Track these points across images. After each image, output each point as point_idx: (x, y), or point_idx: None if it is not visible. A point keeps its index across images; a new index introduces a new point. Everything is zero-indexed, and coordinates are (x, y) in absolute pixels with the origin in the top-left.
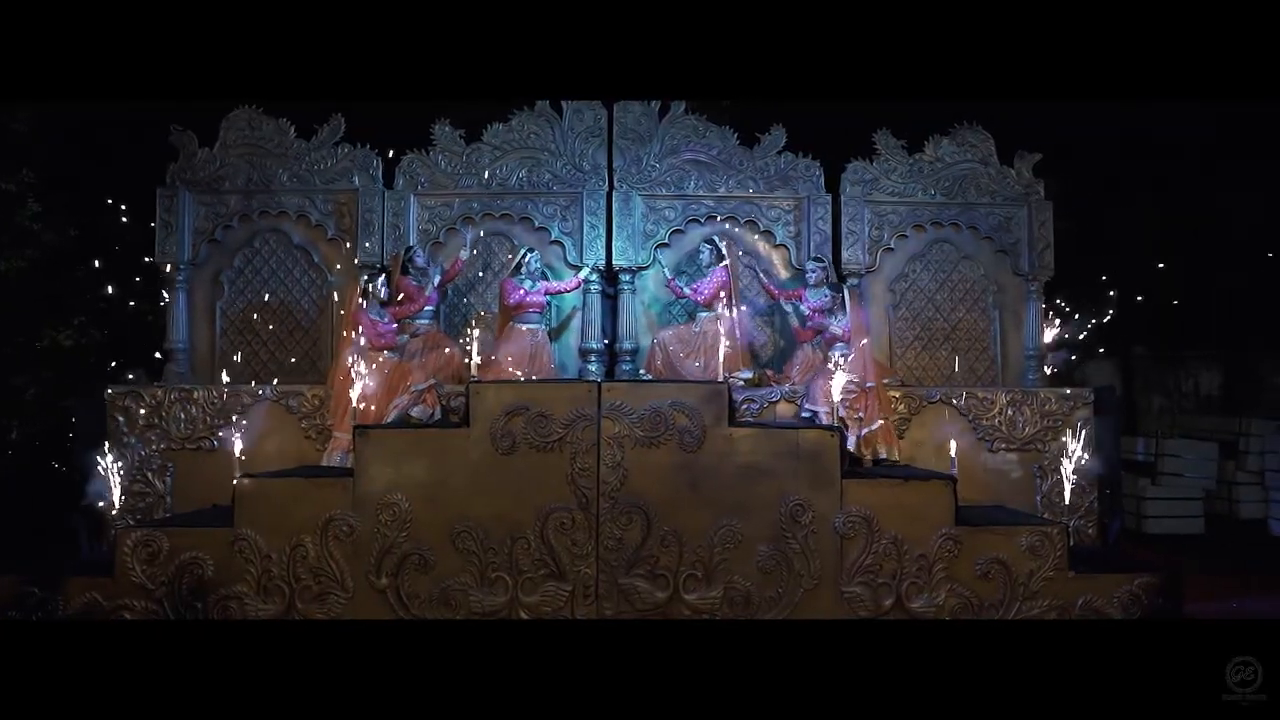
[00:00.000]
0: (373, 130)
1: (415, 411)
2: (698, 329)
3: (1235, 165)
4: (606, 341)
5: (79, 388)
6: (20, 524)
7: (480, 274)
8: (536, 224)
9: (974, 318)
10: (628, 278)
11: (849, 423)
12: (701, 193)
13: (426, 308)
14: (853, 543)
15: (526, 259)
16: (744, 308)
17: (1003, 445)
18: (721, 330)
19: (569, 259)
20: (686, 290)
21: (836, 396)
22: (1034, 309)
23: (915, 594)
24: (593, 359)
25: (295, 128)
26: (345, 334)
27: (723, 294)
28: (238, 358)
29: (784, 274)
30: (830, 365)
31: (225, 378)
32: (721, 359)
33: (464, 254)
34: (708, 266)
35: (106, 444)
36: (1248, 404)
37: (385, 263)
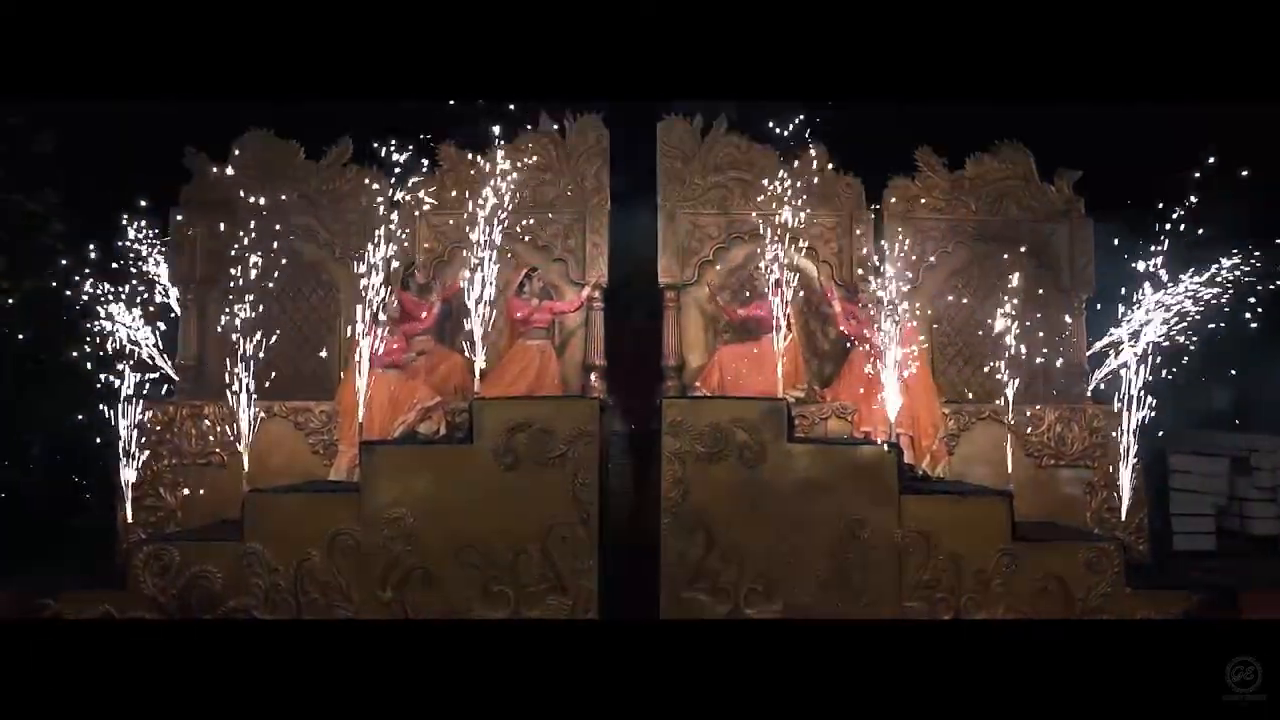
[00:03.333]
0: (379, 151)
1: (421, 428)
2: (756, 348)
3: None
4: (602, 362)
5: (95, 403)
6: (36, 537)
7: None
8: (540, 242)
9: (1018, 333)
10: (673, 295)
11: (901, 439)
12: (745, 211)
13: (430, 324)
14: (911, 558)
15: (530, 277)
16: (794, 327)
17: (1051, 461)
18: (778, 348)
19: (572, 277)
20: (741, 312)
21: (893, 415)
22: (1077, 324)
23: (974, 609)
24: (595, 376)
25: (304, 150)
26: (353, 351)
27: (779, 314)
28: (247, 375)
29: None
30: (882, 380)
31: (234, 394)
32: (780, 376)
33: (465, 272)
34: (762, 290)
35: (120, 459)
36: (1259, 419)
37: (392, 280)
